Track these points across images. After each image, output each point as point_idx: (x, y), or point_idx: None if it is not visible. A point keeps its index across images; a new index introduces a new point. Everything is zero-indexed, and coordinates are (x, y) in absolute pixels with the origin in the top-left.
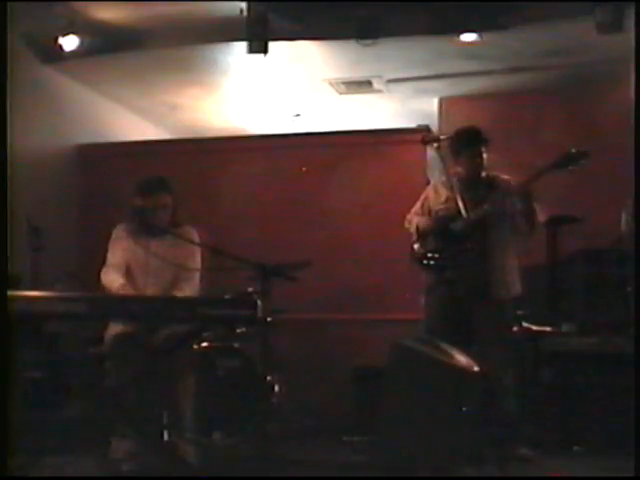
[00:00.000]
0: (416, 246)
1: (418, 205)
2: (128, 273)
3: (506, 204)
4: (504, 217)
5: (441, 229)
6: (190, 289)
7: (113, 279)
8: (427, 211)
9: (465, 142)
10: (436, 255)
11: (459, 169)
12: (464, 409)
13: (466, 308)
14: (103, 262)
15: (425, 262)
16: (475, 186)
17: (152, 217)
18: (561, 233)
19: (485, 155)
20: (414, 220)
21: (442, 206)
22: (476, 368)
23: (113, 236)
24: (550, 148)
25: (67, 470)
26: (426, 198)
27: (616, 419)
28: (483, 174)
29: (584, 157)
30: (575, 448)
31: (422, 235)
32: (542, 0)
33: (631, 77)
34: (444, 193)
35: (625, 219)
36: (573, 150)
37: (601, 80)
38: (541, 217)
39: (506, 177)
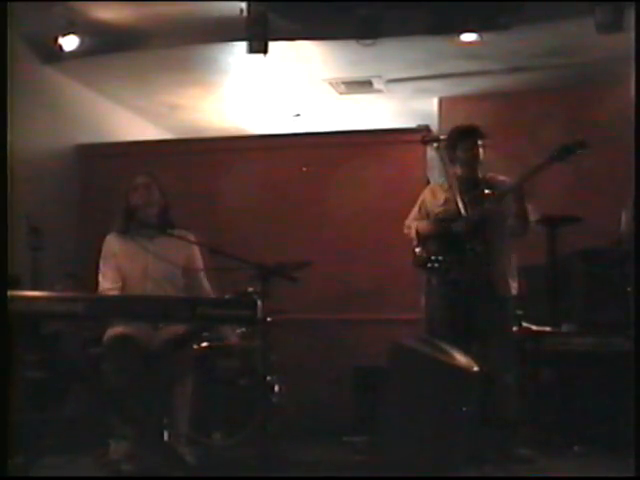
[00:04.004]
0: (418, 250)
1: (416, 209)
2: (125, 287)
3: (503, 204)
4: (502, 217)
5: (442, 231)
6: (204, 291)
7: None
8: (425, 214)
9: (459, 139)
10: (440, 258)
11: (457, 169)
12: (464, 409)
13: (469, 308)
14: (95, 286)
15: (430, 265)
16: (474, 187)
17: (133, 196)
18: (561, 233)
19: (482, 152)
20: (413, 225)
21: (441, 208)
22: (476, 368)
23: (104, 251)
24: (550, 148)
25: (67, 470)
26: (423, 202)
27: (616, 419)
28: (481, 175)
29: (580, 147)
30: (575, 448)
31: (423, 239)
32: (542, 0)
33: (631, 77)
34: (442, 195)
35: (625, 219)
36: (569, 142)
37: (601, 80)
38: (533, 216)
39: (503, 178)
